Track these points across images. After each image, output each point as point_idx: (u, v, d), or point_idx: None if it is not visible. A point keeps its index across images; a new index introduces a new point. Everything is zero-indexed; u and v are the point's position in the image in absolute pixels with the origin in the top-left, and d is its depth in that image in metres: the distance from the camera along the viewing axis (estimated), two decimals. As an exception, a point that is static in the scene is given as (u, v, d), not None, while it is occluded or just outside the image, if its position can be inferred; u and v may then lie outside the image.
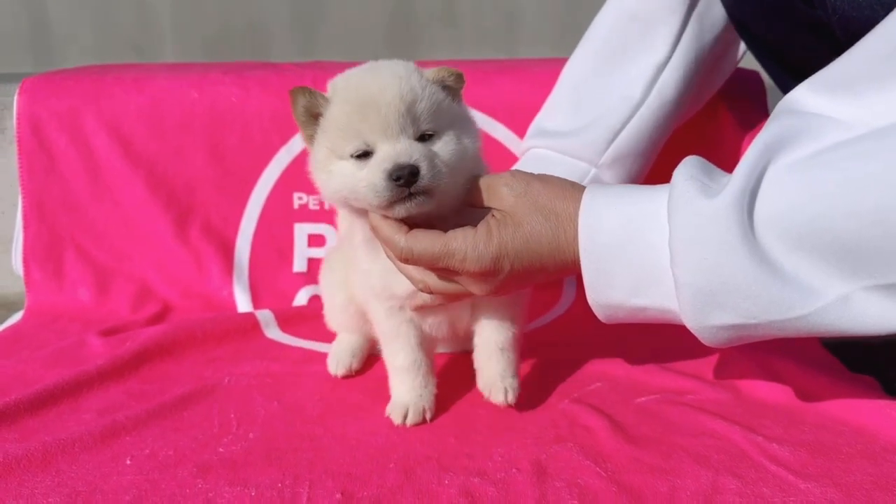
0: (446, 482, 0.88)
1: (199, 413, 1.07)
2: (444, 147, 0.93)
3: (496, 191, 0.92)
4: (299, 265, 1.54)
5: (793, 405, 1.04)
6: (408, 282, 0.98)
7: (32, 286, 1.52)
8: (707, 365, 1.18)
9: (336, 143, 0.93)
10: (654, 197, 0.84)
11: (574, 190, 0.90)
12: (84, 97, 1.54)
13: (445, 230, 0.91)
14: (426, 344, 1.08)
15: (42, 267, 1.52)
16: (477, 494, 0.86)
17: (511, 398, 1.03)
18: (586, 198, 0.87)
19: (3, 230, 1.64)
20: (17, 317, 1.49)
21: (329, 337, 1.31)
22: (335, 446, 0.98)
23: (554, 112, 1.32)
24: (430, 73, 0.96)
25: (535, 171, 0.94)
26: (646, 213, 0.83)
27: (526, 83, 1.54)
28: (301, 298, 1.53)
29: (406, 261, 0.92)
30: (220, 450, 0.97)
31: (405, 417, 1.03)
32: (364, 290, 1.09)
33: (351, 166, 0.92)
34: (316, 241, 1.55)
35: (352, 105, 0.92)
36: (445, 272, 0.92)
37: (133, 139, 1.54)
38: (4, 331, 1.42)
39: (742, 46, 1.33)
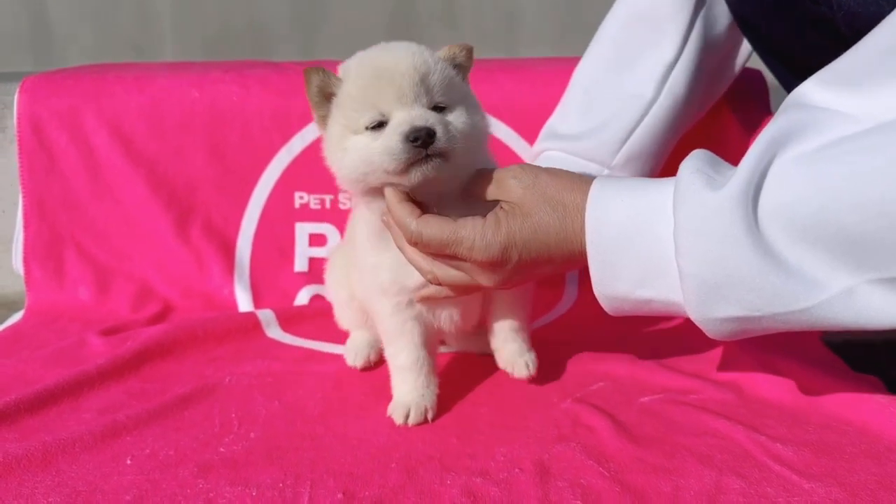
0: (448, 482, 0.88)
1: (199, 412, 1.07)
2: (456, 118, 0.95)
3: (504, 183, 0.93)
4: (300, 265, 1.54)
5: (796, 405, 1.03)
6: (419, 275, 0.99)
7: (33, 285, 1.52)
8: (710, 364, 1.18)
9: (350, 116, 0.94)
10: (661, 189, 0.84)
11: (582, 182, 0.90)
12: (84, 96, 1.54)
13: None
14: (429, 343, 1.08)
15: (42, 266, 1.52)
16: (479, 494, 0.85)
17: (532, 369, 1.11)
18: (594, 190, 0.88)
19: (4, 229, 1.64)
20: (17, 316, 1.48)
21: (329, 336, 1.31)
22: (336, 446, 0.97)
23: (565, 114, 1.32)
24: (441, 51, 0.99)
25: None
26: (652, 206, 0.84)
27: (527, 82, 1.54)
28: (302, 298, 1.52)
29: (415, 244, 0.93)
30: (221, 449, 0.96)
31: (407, 417, 1.02)
32: (370, 285, 1.09)
33: (365, 138, 0.93)
34: (317, 240, 1.54)
35: (366, 78, 0.94)
36: (453, 259, 0.93)
37: (133, 138, 1.53)
38: (5, 330, 1.41)
39: (747, 48, 1.32)
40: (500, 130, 1.52)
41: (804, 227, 0.74)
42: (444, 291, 1.02)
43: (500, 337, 1.13)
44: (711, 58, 1.29)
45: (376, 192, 0.97)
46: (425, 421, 1.03)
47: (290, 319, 1.42)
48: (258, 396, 1.12)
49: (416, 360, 1.06)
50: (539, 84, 1.51)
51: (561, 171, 0.93)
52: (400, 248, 0.99)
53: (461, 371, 1.17)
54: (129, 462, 0.94)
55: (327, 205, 1.54)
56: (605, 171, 1.25)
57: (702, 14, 1.25)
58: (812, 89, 0.80)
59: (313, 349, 1.31)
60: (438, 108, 0.95)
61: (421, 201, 0.96)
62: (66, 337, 1.34)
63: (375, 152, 0.92)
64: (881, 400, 0.99)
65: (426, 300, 1.06)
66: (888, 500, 0.81)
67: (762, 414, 1.01)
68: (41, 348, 1.29)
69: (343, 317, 1.28)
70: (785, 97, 0.85)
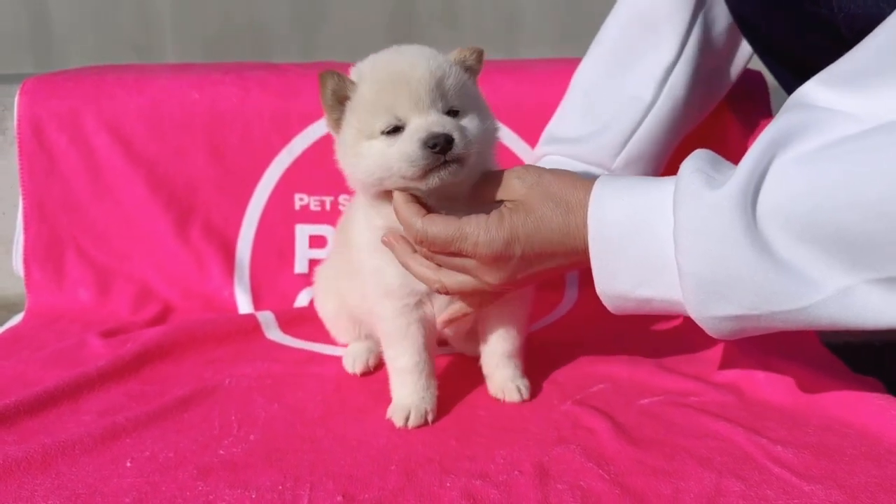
0: (448, 484, 0.88)
1: (199, 415, 1.07)
2: (470, 122, 0.96)
3: (508, 183, 0.94)
4: (300, 266, 1.54)
5: (796, 407, 1.03)
6: None
7: (33, 287, 1.52)
8: (710, 366, 1.18)
9: (365, 121, 0.95)
10: (662, 188, 0.85)
11: (586, 181, 0.91)
12: (84, 98, 1.54)
13: None
14: (429, 345, 1.08)
15: (42, 268, 1.52)
16: (479, 497, 0.85)
17: (525, 394, 1.09)
18: (596, 188, 0.89)
19: (4, 231, 1.64)
20: (17, 318, 1.48)
21: (329, 339, 1.31)
22: (336, 448, 0.97)
23: (565, 118, 1.32)
24: (452, 54, 0.99)
25: None
26: (652, 205, 0.84)
27: (527, 83, 1.54)
28: (302, 300, 1.52)
29: (420, 243, 0.94)
30: (221, 452, 0.96)
31: (407, 420, 1.02)
32: (371, 289, 1.08)
33: (381, 143, 0.94)
34: (317, 242, 1.54)
35: (381, 82, 0.95)
36: (458, 257, 0.93)
37: (133, 140, 1.53)
38: (4, 332, 1.41)
39: (748, 49, 1.32)
40: (502, 132, 1.51)
41: (802, 227, 0.74)
42: (464, 309, 1.04)
43: (491, 362, 1.12)
44: (711, 59, 1.29)
45: (388, 195, 0.98)
46: (425, 423, 1.03)
47: (290, 321, 1.41)
48: (258, 398, 1.12)
49: (416, 363, 1.06)
50: (539, 85, 1.51)
51: (564, 171, 0.94)
52: (404, 264, 1.00)
53: (461, 373, 1.17)
54: (128, 464, 0.94)
55: (327, 206, 1.54)
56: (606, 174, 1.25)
57: (701, 15, 1.25)
58: (814, 89, 0.81)
59: (313, 351, 1.31)
60: (452, 113, 0.95)
61: (428, 204, 0.96)
62: (66, 338, 1.34)
63: (393, 158, 0.92)
64: (881, 402, 0.99)
65: (450, 323, 1.07)
66: (888, 502, 0.81)
67: (762, 416, 1.01)
68: (41, 350, 1.29)
69: (334, 331, 1.29)
70: (785, 98, 0.85)
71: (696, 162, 0.83)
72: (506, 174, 0.95)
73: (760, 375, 1.10)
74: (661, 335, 1.32)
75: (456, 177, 0.92)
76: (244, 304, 1.51)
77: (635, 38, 1.26)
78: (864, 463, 0.89)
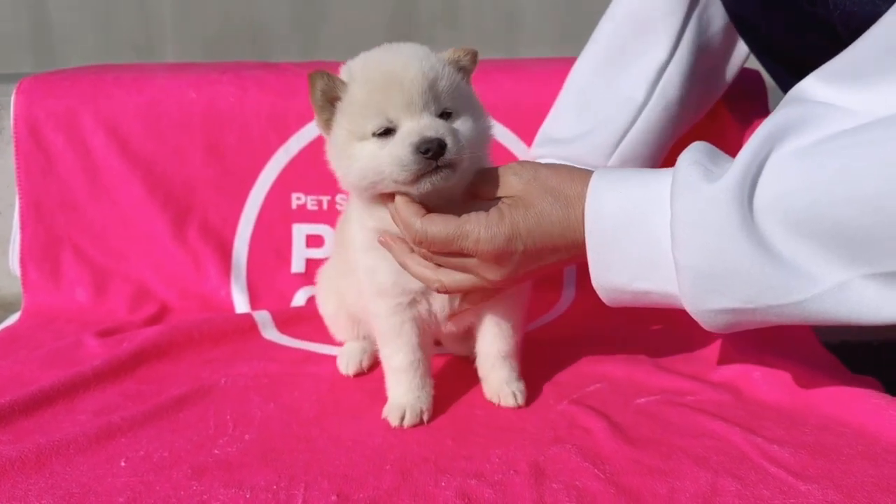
0: (443, 484, 0.88)
1: (195, 414, 1.07)
2: (463, 125, 0.95)
3: (505, 180, 0.94)
4: (297, 266, 1.54)
5: (793, 406, 1.03)
6: None
7: (29, 287, 1.51)
8: (707, 366, 1.17)
9: (356, 122, 0.93)
10: (659, 180, 0.85)
11: (583, 173, 0.91)
12: (81, 97, 1.53)
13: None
14: (425, 344, 1.07)
15: (39, 267, 1.52)
16: (474, 496, 0.85)
17: (520, 399, 1.07)
18: (593, 181, 0.89)
19: (1, 231, 1.64)
20: (13, 317, 1.48)
21: (326, 338, 1.31)
22: (331, 448, 0.97)
23: (558, 118, 1.32)
24: (446, 54, 0.98)
25: None
26: (649, 198, 0.84)
27: (526, 82, 1.53)
28: (299, 299, 1.52)
29: (420, 243, 0.93)
30: (216, 451, 0.96)
31: (402, 419, 1.02)
32: (364, 288, 1.08)
33: (372, 146, 0.93)
34: (314, 241, 1.54)
35: (373, 83, 0.93)
36: (459, 256, 0.93)
37: (131, 139, 1.53)
38: (1, 331, 1.41)
39: (745, 49, 1.32)
40: (499, 131, 1.51)
41: (799, 221, 0.74)
42: (462, 305, 1.04)
43: (486, 363, 1.10)
44: (706, 59, 1.29)
45: (383, 197, 0.97)
46: (421, 423, 1.03)
47: (287, 321, 1.41)
48: (254, 398, 1.11)
49: (411, 362, 1.05)
50: (538, 85, 1.51)
51: (560, 164, 0.94)
52: (402, 264, 0.99)
53: (457, 373, 1.17)
54: (123, 464, 0.93)
55: (324, 206, 1.54)
56: None
57: (695, 15, 1.25)
58: (812, 85, 0.81)
59: (310, 351, 1.31)
60: (445, 115, 0.94)
61: (424, 203, 0.95)
62: (63, 338, 1.34)
63: (384, 161, 0.91)
64: (879, 401, 0.99)
65: (452, 317, 1.06)
66: (885, 501, 0.81)
67: (759, 415, 1.01)
68: (37, 349, 1.29)
69: (333, 329, 1.28)
70: (783, 98, 0.85)
71: (694, 154, 0.83)
72: (501, 171, 0.95)
73: (757, 375, 1.10)
74: (658, 334, 1.32)
75: (448, 182, 0.91)
76: (241, 304, 1.50)
77: (628, 39, 1.26)
78: (861, 462, 0.88)
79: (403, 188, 0.92)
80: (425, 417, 1.03)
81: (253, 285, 1.52)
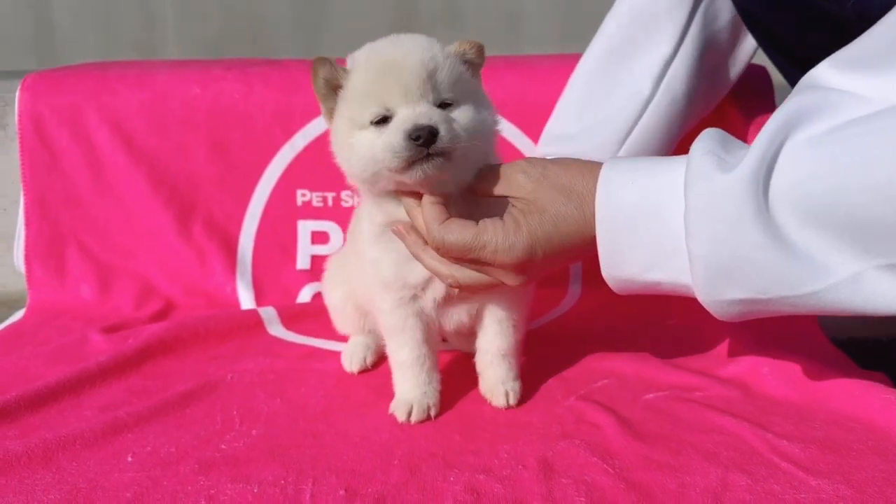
0: (451, 479, 0.87)
1: (201, 410, 1.06)
2: (462, 115, 0.94)
3: (513, 179, 0.92)
4: (303, 262, 1.53)
5: (802, 402, 1.02)
6: (421, 271, 0.99)
7: (34, 283, 1.51)
8: (715, 361, 1.17)
9: (356, 111, 0.93)
10: (671, 169, 0.84)
11: (593, 167, 0.90)
12: (86, 93, 1.53)
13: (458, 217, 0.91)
14: (431, 339, 1.07)
15: (44, 264, 1.52)
16: (482, 491, 0.85)
17: (512, 400, 1.06)
18: (604, 172, 0.88)
19: (5, 227, 1.63)
20: (18, 314, 1.48)
21: (332, 334, 1.30)
22: (338, 443, 0.96)
23: (564, 115, 1.32)
24: (452, 46, 0.97)
25: None
26: (662, 187, 0.83)
27: (532, 79, 1.53)
28: (304, 295, 1.52)
29: (438, 250, 0.92)
30: (223, 446, 0.96)
31: (409, 415, 1.01)
32: (371, 280, 1.07)
33: (370, 134, 0.92)
34: (319, 238, 1.54)
35: (372, 72, 0.93)
36: (476, 263, 0.92)
37: (135, 135, 1.53)
38: (6, 328, 1.41)
39: (752, 44, 1.31)
40: (504, 128, 1.50)
41: (813, 210, 0.74)
42: (460, 292, 1.02)
43: (485, 360, 1.09)
44: (712, 54, 1.28)
45: (396, 192, 0.96)
46: (428, 418, 1.02)
47: (293, 317, 1.41)
48: (260, 394, 1.11)
49: (417, 357, 1.05)
50: (544, 81, 1.50)
51: (569, 160, 0.93)
52: (415, 256, 0.98)
53: (463, 369, 1.16)
54: (129, 459, 0.93)
55: (329, 202, 1.53)
56: None
57: (701, 9, 1.24)
58: (825, 72, 0.80)
59: (315, 346, 1.30)
60: (445, 105, 0.93)
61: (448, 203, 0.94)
62: (68, 334, 1.34)
63: (378, 149, 0.90)
64: (889, 397, 0.98)
65: (446, 302, 1.05)
66: (896, 497, 0.80)
67: (768, 411, 1.00)
68: (43, 346, 1.29)
69: (339, 321, 1.27)
70: (789, 93, 0.85)
71: (707, 143, 0.82)
72: (509, 168, 0.93)
73: (766, 370, 1.10)
74: (665, 330, 1.31)
75: (441, 171, 0.90)
76: (246, 300, 1.50)
77: (634, 33, 1.26)
78: (872, 457, 0.88)
79: (398, 177, 0.91)
80: (432, 413, 1.03)
81: (258, 282, 1.52)
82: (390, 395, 1.07)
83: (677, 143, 1.30)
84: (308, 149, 1.53)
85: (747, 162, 0.76)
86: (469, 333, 1.15)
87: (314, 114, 1.52)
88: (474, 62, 0.99)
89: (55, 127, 1.52)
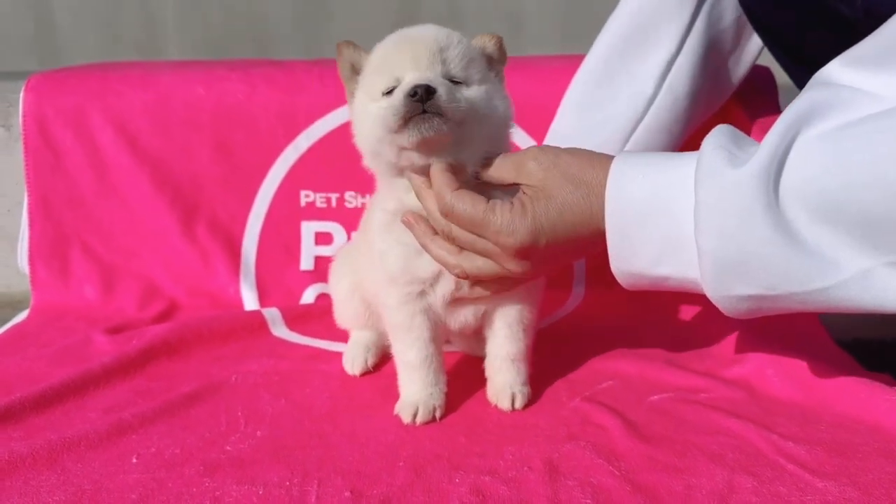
0: (457, 480, 0.87)
1: (205, 411, 1.06)
2: (470, 91, 0.95)
3: (524, 166, 0.93)
4: (306, 263, 1.53)
5: (808, 403, 1.02)
6: (430, 265, 0.99)
7: (38, 284, 1.51)
8: (720, 363, 1.17)
9: (371, 84, 0.97)
10: (682, 164, 0.84)
11: (604, 158, 0.90)
12: (90, 94, 1.53)
13: None
14: (437, 339, 1.06)
15: (48, 265, 1.51)
16: (488, 493, 0.84)
17: (518, 403, 1.05)
18: (614, 165, 0.88)
19: (9, 228, 1.63)
20: (22, 315, 1.47)
21: (336, 335, 1.30)
22: (344, 444, 0.96)
23: (567, 114, 1.32)
24: (474, 38, 1.01)
25: None
26: (672, 182, 0.84)
27: (535, 79, 1.53)
28: (308, 296, 1.52)
29: (446, 215, 0.93)
30: (228, 448, 0.96)
31: (415, 416, 1.01)
32: (378, 274, 1.07)
33: (382, 103, 0.94)
34: (323, 238, 1.54)
35: (389, 47, 0.97)
36: (478, 247, 0.93)
37: (139, 136, 1.52)
38: (10, 329, 1.41)
39: (757, 44, 1.31)
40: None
41: (823, 206, 0.74)
42: (481, 293, 1.02)
43: (494, 365, 1.08)
44: (716, 54, 1.28)
45: (400, 173, 0.98)
46: (433, 420, 1.02)
47: (297, 318, 1.41)
48: (264, 395, 1.11)
49: (425, 358, 1.04)
50: (547, 82, 1.50)
51: (581, 149, 0.93)
52: (423, 246, 0.98)
53: (468, 370, 1.16)
54: (134, 461, 0.93)
55: (333, 203, 1.53)
56: None
57: (705, 8, 1.24)
58: (837, 69, 0.80)
59: (319, 348, 1.30)
60: (455, 83, 0.95)
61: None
62: (72, 335, 1.34)
63: (381, 111, 0.92)
64: (894, 398, 0.98)
65: (457, 301, 1.05)
66: (903, 498, 0.80)
67: (774, 412, 1.00)
68: (46, 347, 1.29)
69: (342, 313, 1.27)
70: (795, 95, 0.85)
71: (718, 138, 0.82)
72: (521, 156, 0.94)
73: (770, 372, 1.09)
74: (669, 331, 1.31)
75: (437, 133, 0.90)
76: (250, 301, 1.50)
77: (638, 33, 1.26)
78: (878, 459, 0.88)
79: (397, 140, 0.92)
80: (438, 414, 1.03)
81: (262, 282, 1.52)
82: (395, 395, 1.07)
83: (681, 143, 1.30)
84: (312, 150, 1.53)
85: (758, 157, 0.76)
86: (473, 334, 1.15)
87: (318, 115, 1.52)
88: (494, 57, 1.01)
89: (59, 127, 1.52)
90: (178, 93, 1.54)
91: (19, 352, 1.27)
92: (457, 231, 0.94)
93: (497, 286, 1.01)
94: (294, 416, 1.05)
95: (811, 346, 1.19)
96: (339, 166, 1.50)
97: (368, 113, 0.96)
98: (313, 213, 1.54)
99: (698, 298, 1.37)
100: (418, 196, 0.97)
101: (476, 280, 0.99)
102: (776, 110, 1.47)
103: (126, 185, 1.52)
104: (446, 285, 1.03)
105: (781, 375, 1.08)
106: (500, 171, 0.95)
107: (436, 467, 0.90)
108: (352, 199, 1.52)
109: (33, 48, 2.48)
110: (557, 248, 0.91)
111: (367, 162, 1.02)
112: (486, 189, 0.95)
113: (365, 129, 0.97)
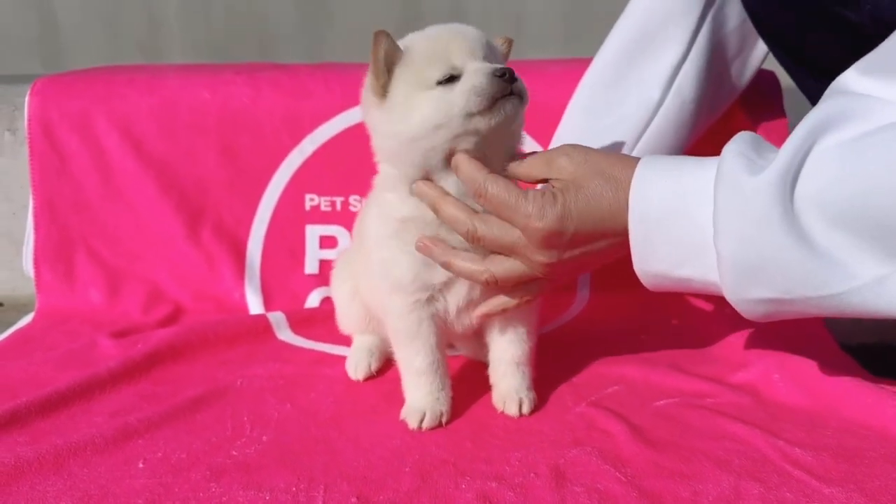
0: (463, 486, 0.87)
1: (211, 415, 1.06)
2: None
3: (555, 162, 0.95)
4: (311, 267, 1.53)
5: (814, 409, 1.02)
6: (442, 270, 1.00)
7: (43, 288, 1.51)
8: (726, 368, 1.16)
9: (420, 74, 0.96)
10: (705, 169, 0.86)
11: (631, 158, 0.93)
12: (95, 98, 1.54)
13: None
14: (442, 344, 1.06)
15: (53, 268, 1.52)
16: (494, 499, 0.84)
17: (525, 408, 1.05)
18: (640, 168, 0.90)
19: (14, 231, 1.64)
20: (27, 318, 1.48)
21: (340, 339, 1.30)
22: (350, 449, 0.96)
23: (575, 119, 1.32)
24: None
25: None
26: (694, 188, 0.86)
27: (540, 83, 1.52)
28: (313, 300, 1.52)
29: (478, 195, 0.94)
30: (234, 453, 0.96)
31: (421, 422, 1.01)
32: (377, 281, 1.07)
33: (438, 92, 0.95)
34: (328, 242, 1.54)
35: (437, 38, 0.98)
36: (509, 236, 0.94)
37: (144, 140, 1.53)
38: (15, 332, 1.41)
39: (762, 48, 1.31)
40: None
41: (840, 214, 0.75)
42: (506, 302, 1.02)
43: (499, 370, 1.08)
44: (722, 58, 1.29)
45: (428, 165, 0.98)
46: (439, 425, 1.02)
47: (301, 322, 1.41)
48: (270, 399, 1.11)
49: (431, 363, 1.04)
50: (552, 86, 1.50)
51: (610, 149, 0.95)
52: (445, 265, 0.99)
53: (472, 375, 1.15)
54: (140, 465, 0.93)
55: (338, 207, 1.53)
56: None
57: (711, 13, 1.24)
58: (854, 78, 0.82)
59: (324, 352, 1.30)
60: None
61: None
62: (77, 339, 1.34)
63: (456, 97, 0.93)
64: (900, 404, 0.98)
65: (487, 317, 1.05)
66: (910, 505, 0.80)
67: (780, 418, 1.00)
68: (52, 351, 1.29)
69: (344, 318, 1.27)
70: (800, 99, 0.86)
71: (739, 145, 0.84)
72: (553, 152, 0.96)
73: (776, 377, 1.09)
74: (674, 337, 1.31)
75: (517, 112, 0.94)
76: (255, 305, 1.50)
77: (644, 38, 1.26)
78: (885, 465, 0.87)
79: (474, 123, 0.93)
80: (444, 420, 1.02)
81: (267, 286, 1.52)
82: (400, 400, 1.06)
83: (688, 147, 1.30)
84: (316, 154, 1.53)
85: (775, 165, 0.78)
86: (475, 337, 1.14)
87: (323, 118, 1.52)
88: (505, 56, 1.05)
89: (65, 131, 1.52)
90: (183, 97, 1.54)
91: (24, 356, 1.27)
92: (482, 228, 0.95)
93: (522, 292, 1.01)
94: (300, 420, 1.05)
95: (817, 350, 1.19)
96: (343, 170, 1.50)
97: (425, 102, 0.94)
98: (318, 216, 1.54)
99: (703, 303, 1.38)
100: (436, 206, 0.97)
101: (504, 285, 0.99)
102: (781, 114, 1.47)
103: (131, 188, 1.53)
104: (459, 292, 1.03)
105: (787, 380, 1.08)
106: (530, 166, 0.97)
107: (442, 473, 0.90)
108: (356, 203, 1.52)
109: (36, 50, 2.48)
110: (583, 237, 0.92)
111: (392, 159, 1.01)
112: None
113: (415, 118, 0.95)
